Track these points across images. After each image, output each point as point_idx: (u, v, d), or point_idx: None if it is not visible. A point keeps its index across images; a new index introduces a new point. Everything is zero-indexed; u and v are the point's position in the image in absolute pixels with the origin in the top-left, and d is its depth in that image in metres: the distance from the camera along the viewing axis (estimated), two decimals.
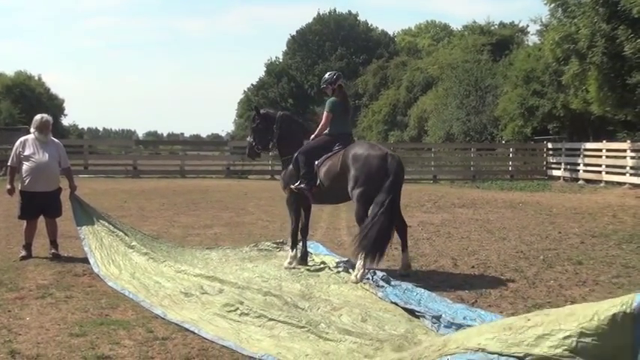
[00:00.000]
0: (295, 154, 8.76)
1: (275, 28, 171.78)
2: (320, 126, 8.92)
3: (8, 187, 9.62)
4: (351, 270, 8.20)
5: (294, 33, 74.94)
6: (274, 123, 9.16)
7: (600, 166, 25.63)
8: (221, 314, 6.47)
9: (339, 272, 8.42)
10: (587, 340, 3.79)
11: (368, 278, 7.74)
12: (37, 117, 9.75)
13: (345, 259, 8.90)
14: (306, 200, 8.95)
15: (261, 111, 9.39)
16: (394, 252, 10.17)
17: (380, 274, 7.86)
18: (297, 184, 8.66)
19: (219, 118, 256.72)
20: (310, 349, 5.51)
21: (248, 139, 9.66)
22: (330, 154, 8.63)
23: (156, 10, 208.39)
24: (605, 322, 3.79)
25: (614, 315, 3.76)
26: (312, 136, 9.00)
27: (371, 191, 8.08)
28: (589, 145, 26.78)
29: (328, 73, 9.29)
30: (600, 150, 25.72)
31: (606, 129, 27.72)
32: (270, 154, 10.59)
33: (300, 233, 9.04)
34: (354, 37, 71.07)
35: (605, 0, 22.18)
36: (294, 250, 8.82)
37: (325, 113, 8.87)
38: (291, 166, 8.85)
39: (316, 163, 8.62)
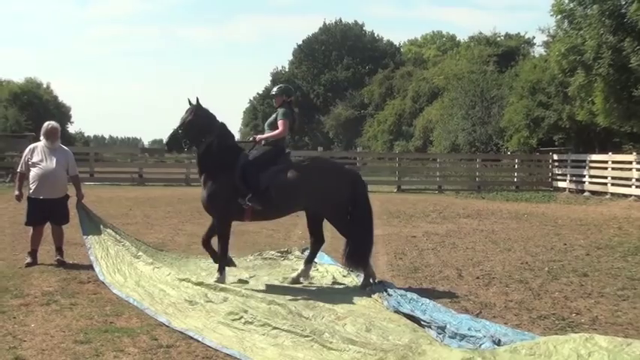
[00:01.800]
0: (240, 167, 8.08)
1: (281, 37, 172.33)
2: (277, 132, 8.40)
3: (16, 193, 9.68)
4: (357, 279, 8.27)
5: (301, 42, 75.20)
6: (212, 127, 8.27)
7: (606, 177, 25.57)
8: (225, 322, 6.47)
9: (343, 282, 8.43)
10: None
11: (374, 289, 7.75)
12: (45, 124, 9.84)
13: (350, 270, 8.87)
14: (239, 217, 8.50)
15: (204, 108, 8.32)
16: (398, 262, 10.18)
17: (385, 284, 7.88)
18: (247, 199, 7.97)
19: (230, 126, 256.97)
20: (314, 359, 5.51)
21: (175, 128, 8.25)
22: (280, 166, 8.24)
23: (162, 18, 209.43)
24: None
25: None
26: (264, 137, 8.49)
27: (346, 205, 8.36)
28: (595, 157, 26.74)
29: (282, 85, 9.11)
30: (606, 162, 25.68)
31: (612, 141, 27.72)
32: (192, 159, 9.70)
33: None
34: (360, 47, 71.25)
35: (611, 12, 22.22)
36: (223, 273, 8.27)
37: (284, 121, 8.40)
38: (219, 183, 8.13)
39: (264, 176, 8.11)
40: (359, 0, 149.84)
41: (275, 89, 8.89)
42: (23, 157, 9.71)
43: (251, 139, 8.65)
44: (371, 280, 8.10)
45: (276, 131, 8.41)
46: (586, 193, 26.17)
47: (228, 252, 8.48)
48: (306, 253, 9.50)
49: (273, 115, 8.63)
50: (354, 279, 8.37)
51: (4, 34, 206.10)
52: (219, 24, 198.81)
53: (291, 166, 8.36)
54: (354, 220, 8.35)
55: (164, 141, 8.51)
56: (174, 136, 8.25)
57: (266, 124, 8.73)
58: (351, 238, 8.27)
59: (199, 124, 8.16)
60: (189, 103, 8.27)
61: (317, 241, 8.68)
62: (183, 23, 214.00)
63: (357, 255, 8.22)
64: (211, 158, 8.19)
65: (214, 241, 8.57)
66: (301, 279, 8.47)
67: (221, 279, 8.10)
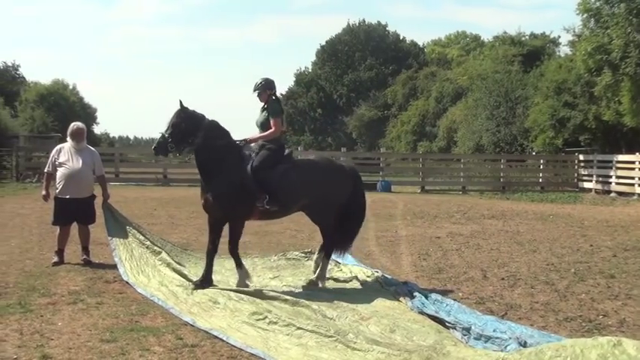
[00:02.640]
0: (252, 169, 7.97)
1: (304, 38, 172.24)
2: (271, 132, 8.23)
3: (43, 193, 9.81)
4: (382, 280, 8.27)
5: (324, 43, 75.23)
6: (198, 124, 8.05)
7: (633, 178, 25.27)
8: (249, 322, 6.49)
9: (367, 282, 8.41)
10: None
11: (398, 289, 7.74)
12: (72, 125, 9.97)
13: (375, 269, 8.87)
14: (246, 217, 8.39)
15: (187, 109, 8.08)
16: (423, 263, 10.14)
17: (409, 284, 7.87)
18: (265, 202, 7.89)
19: (249, 127, 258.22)
20: (338, 359, 5.50)
21: (161, 132, 8.12)
22: (286, 165, 8.20)
23: (185, 20, 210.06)
24: None
25: None
26: (257, 137, 8.32)
27: (342, 205, 8.46)
28: (621, 157, 26.43)
29: (261, 79, 8.53)
30: (633, 162, 25.36)
31: (639, 141, 27.37)
32: (187, 159, 9.28)
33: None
34: (384, 47, 71.12)
35: (638, 10, 21.95)
36: (243, 268, 8.18)
37: (275, 119, 8.25)
38: (225, 183, 7.96)
39: (275, 176, 8.02)
40: (382, 0, 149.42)
41: (257, 86, 8.47)
42: (50, 158, 9.83)
43: (243, 141, 8.34)
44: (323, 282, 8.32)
45: (270, 131, 8.23)
46: (612, 194, 25.89)
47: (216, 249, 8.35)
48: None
49: (263, 114, 8.42)
50: (379, 280, 8.35)
51: (32, 36, 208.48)
52: (241, 25, 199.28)
53: (296, 164, 8.39)
54: (349, 214, 8.48)
55: (152, 147, 8.37)
56: (159, 141, 8.11)
57: (257, 123, 8.52)
58: (343, 229, 8.47)
59: (182, 127, 7.97)
60: (181, 105, 8.09)
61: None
62: (206, 24, 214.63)
63: (345, 243, 8.59)
64: (210, 159, 8.03)
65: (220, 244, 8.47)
66: (319, 281, 8.49)
67: (243, 273, 8.06)
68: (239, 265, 8.11)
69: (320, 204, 8.31)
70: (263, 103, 8.50)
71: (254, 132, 8.55)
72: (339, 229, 8.44)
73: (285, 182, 8.01)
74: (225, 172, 7.97)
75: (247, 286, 7.88)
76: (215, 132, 8.12)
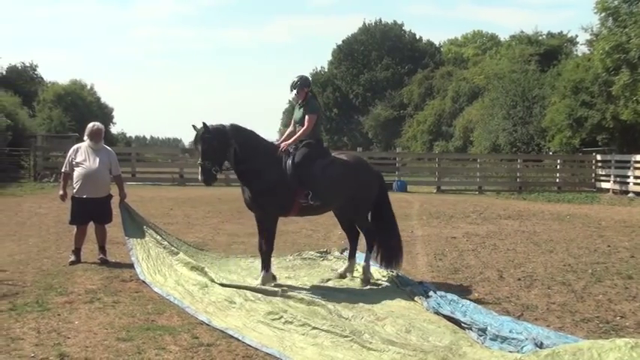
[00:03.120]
0: (294, 166, 7.95)
1: (320, 38, 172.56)
2: (304, 130, 8.25)
3: (61, 192, 9.88)
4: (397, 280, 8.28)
5: (340, 43, 75.18)
6: (227, 137, 7.86)
7: None
8: (265, 322, 6.50)
9: (382, 282, 8.41)
10: None
11: (414, 290, 7.73)
12: (90, 125, 10.02)
13: (390, 270, 8.86)
14: (285, 213, 8.43)
15: (209, 128, 7.78)
16: (439, 263, 10.11)
17: (425, 285, 7.85)
18: (310, 198, 7.88)
19: (264, 127, 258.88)
20: (353, 359, 5.50)
21: (199, 162, 7.83)
22: (325, 161, 8.26)
23: (201, 20, 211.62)
24: None
25: None
26: (293, 140, 8.28)
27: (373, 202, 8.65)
28: None
29: (297, 77, 8.53)
30: None
31: None
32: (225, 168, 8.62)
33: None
34: (400, 47, 70.97)
35: None
36: (269, 271, 8.15)
37: (311, 116, 8.27)
38: (266, 180, 7.91)
39: (316, 171, 8.04)
40: (399, 0, 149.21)
41: (295, 84, 8.46)
42: (67, 158, 9.89)
43: (280, 148, 8.23)
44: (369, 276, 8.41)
45: (302, 129, 8.28)
46: (630, 194, 25.67)
47: (273, 249, 8.37)
48: (346, 253, 9.50)
49: (300, 110, 8.47)
50: (394, 280, 8.34)
51: (50, 37, 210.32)
52: (257, 25, 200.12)
53: (334, 160, 8.42)
54: (383, 219, 8.62)
55: (200, 179, 7.99)
56: (204, 171, 7.82)
57: (295, 120, 8.55)
58: (383, 240, 8.55)
59: (213, 147, 7.75)
60: (194, 128, 7.86)
61: (354, 234, 8.82)
62: (222, 25, 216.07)
63: (394, 256, 8.56)
64: (246, 160, 7.96)
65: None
66: (347, 273, 8.59)
67: (267, 277, 8.02)
68: (265, 268, 8.12)
69: (358, 200, 8.38)
70: (300, 101, 8.53)
71: (287, 130, 8.73)
72: (382, 241, 8.54)
73: (326, 177, 8.06)
74: (264, 171, 7.96)
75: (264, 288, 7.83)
76: (243, 135, 8.07)
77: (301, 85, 8.46)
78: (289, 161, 8.02)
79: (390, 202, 8.83)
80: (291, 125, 8.70)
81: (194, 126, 7.87)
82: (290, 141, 8.29)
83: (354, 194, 8.31)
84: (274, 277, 8.20)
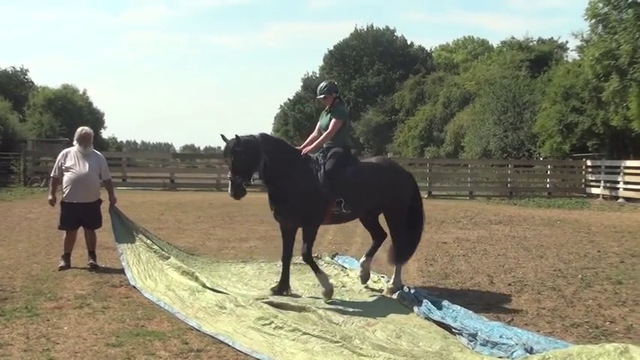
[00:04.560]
0: (327, 173, 7.82)
1: (312, 43, 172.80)
2: (327, 133, 8.14)
3: (50, 197, 9.83)
4: (388, 285, 8.26)
5: (332, 48, 75.26)
6: (258, 149, 7.65)
7: None
8: (255, 327, 6.48)
9: (373, 288, 8.41)
10: None
11: (405, 295, 7.73)
12: (79, 129, 10.00)
13: (381, 275, 8.87)
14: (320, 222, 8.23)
15: (240, 139, 7.56)
16: (429, 268, 10.12)
17: (415, 290, 7.85)
18: (343, 206, 7.74)
19: (256, 133, 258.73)
20: None
21: (229, 176, 7.60)
22: (354, 167, 8.13)
23: (192, 25, 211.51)
24: None
25: None
26: (315, 144, 8.20)
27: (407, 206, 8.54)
28: (629, 163, 26.28)
29: (326, 82, 8.54)
30: None
31: None
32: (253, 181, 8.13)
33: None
34: (392, 52, 71.09)
35: None
36: (326, 278, 7.96)
37: (337, 121, 8.13)
38: (301, 192, 7.74)
39: (347, 179, 7.92)
40: (390, 6, 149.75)
41: (322, 89, 8.39)
42: (57, 162, 9.86)
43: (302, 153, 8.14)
44: (400, 285, 8.09)
45: (325, 133, 8.17)
46: (620, 200, 25.76)
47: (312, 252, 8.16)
48: (336, 258, 9.51)
49: (327, 116, 8.32)
50: (385, 285, 8.34)
51: (42, 42, 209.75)
52: (248, 30, 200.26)
53: (363, 166, 8.32)
54: (409, 222, 8.50)
55: (229, 194, 7.67)
56: (234, 186, 7.55)
57: (322, 127, 8.37)
58: (402, 238, 8.40)
59: (244, 161, 7.53)
60: (223, 139, 7.66)
61: (378, 235, 8.75)
62: (214, 30, 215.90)
63: (404, 253, 8.47)
64: (278, 171, 7.75)
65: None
66: (364, 274, 8.53)
67: (321, 276, 7.84)
68: (316, 270, 7.92)
69: (392, 205, 8.32)
70: (327, 107, 8.42)
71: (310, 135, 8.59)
72: (398, 238, 8.46)
73: (357, 184, 7.95)
74: (297, 181, 7.79)
75: (331, 287, 7.82)
76: (273, 145, 7.91)
77: (329, 90, 8.37)
78: (321, 170, 7.88)
79: (422, 206, 8.80)
80: (316, 131, 8.51)
81: (223, 136, 7.65)
82: (312, 146, 8.19)
83: (388, 199, 8.24)
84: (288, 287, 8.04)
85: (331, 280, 8.74)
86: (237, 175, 7.52)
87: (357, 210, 8.13)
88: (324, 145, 8.19)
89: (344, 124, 8.29)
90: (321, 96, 8.39)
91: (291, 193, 7.76)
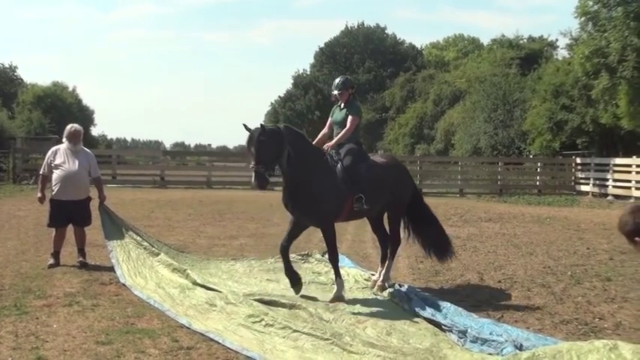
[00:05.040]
0: (345, 169, 7.74)
1: (303, 40, 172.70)
2: (346, 131, 8.04)
3: (39, 195, 9.77)
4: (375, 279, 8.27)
5: (323, 45, 75.18)
6: (282, 139, 7.47)
7: (630, 181, 25.27)
8: (246, 325, 6.47)
9: (364, 285, 8.41)
10: None
11: (394, 291, 7.74)
12: (68, 127, 9.93)
13: (372, 272, 8.87)
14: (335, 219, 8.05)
15: (265, 129, 7.40)
16: (420, 266, 10.14)
17: (406, 287, 7.86)
18: (364, 203, 7.65)
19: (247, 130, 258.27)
20: None
21: (252, 166, 7.39)
22: (367, 163, 8.04)
23: (182, 23, 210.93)
24: None
25: None
26: (335, 141, 8.08)
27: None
28: (619, 161, 26.45)
29: (342, 78, 8.48)
30: (630, 165, 25.36)
31: (636, 144, 27.40)
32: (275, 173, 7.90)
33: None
34: (382, 50, 71.09)
35: (636, 14, 22.05)
36: (341, 278, 7.85)
37: (355, 117, 8.09)
38: (321, 189, 7.59)
39: (363, 174, 7.83)
40: (381, 3, 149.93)
41: (338, 85, 8.28)
42: (46, 160, 9.80)
43: (326, 150, 8.00)
44: (390, 282, 8.11)
45: (345, 129, 8.05)
46: (609, 197, 25.90)
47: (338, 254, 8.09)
48: (327, 255, 9.50)
49: (342, 112, 8.24)
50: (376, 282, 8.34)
51: (32, 39, 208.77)
52: (240, 28, 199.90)
53: (374, 163, 8.25)
54: (423, 218, 8.66)
55: (252, 185, 7.50)
56: (258, 175, 7.31)
57: (335, 122, 8.31)
58: (429, 236, 8.66)
59: (268, 151, 7.31)
60: (246, 128, 7.46)
61: (385, 238, 8.64)
62: (204, 28, 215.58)
63: (446, 249, 8.69)
64: (299, 164, 7.56)
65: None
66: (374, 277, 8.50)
67: (341, 284, 7.71)
68: (337, 275, 7.77)
69: (396, 202, 8.31)
70: (341, 102, 8.34)
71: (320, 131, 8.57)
72: (429, 239, 8.65)
73: (372, 180, 7.87)
74: (318, 176, 7.64)
75: (343, 298, 7.58)
76: (296, 138, 7.73)
77: (345, 85, 8.27)
78: (338, 165, 7.80)
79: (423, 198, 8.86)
80: (327, 127, 8.46)
81: (246, 126, 7.47)
82: (333, 142, 8.08)
83: (395, 196, 8.24)
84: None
85: (322, 278, 8.79)
86: (260, 165, 7.28)
87: (374, 206, 8.05)
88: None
89: (359, 120, 8.26)
90: (337, 91, 8.30)
91: (313, 188, 7.59)
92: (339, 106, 8.38)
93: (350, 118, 8.09)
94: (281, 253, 7.89)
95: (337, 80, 8.41)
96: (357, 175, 7.74)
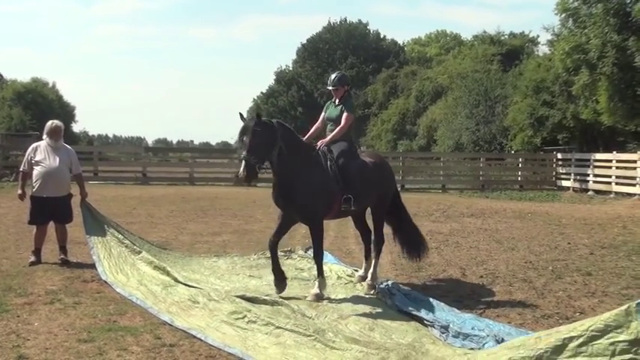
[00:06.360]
0: (339, 168, 7.64)
1: (285, 36, 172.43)
2: (341, 127, 7.98)
3: (19, 192, 9.71)
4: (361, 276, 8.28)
5: (305, 41, 75.11)
6: (275, 133, 7.29)
7: (610, 177, 25.50)
8: (228, 321, 6.47)
9: (346, 281, 8.43)
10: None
11: (378, 288, 7.76)
12: (49, 123, 9.85)
13: (355, 268, 8.89)
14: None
15: (262, 121, 7.24)
16: (402, 261, 10.17)
17: (389, 282, 7.88)
18: (352, 203, 7.59)
19: (229, 126, 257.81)
20: (316, 358, 5.51)
21: (244, 156, 7.11)
22: (357, 162, 7.98)
23: (166, 18, 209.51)
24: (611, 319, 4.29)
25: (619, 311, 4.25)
26: (330, 138, 7.99)
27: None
28: (599, 156, 26.66)
29: (338, 74, 8.40)
30: (610, 161, 25.59)
31: (616, 140, 27.68)
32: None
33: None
34: (365, 46, 71.12)
35: (616, 11, 22.22)
36: (323, 277, 7.74)
37: (349, 115, 8.01)
38: (312, 185, 7.45)
39: (353, 173, 7.75)
40: None
41: (333, 81, 8.21)
42: (26, 156, 9.72)
43: (319, 147, 7.93)
44: (379, 282, 8.09)
45: (340, 126, 7.98)
46: (590, 192, 26.11)
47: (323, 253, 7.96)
48: (310, 252, 9.49)
49: (337, 108, 8.15)
50: (359, 279, 8.36)
51: (11, 34, 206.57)
52: (222, 23, 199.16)
53: (364, 161, 8.19)
54: (402, 218, 8.73)
55: (239, 175, 7.16)
56: (248, 166, 7.05)
57: (329, 118, 8.22)
58: (404, 236, 8.69)
59: (261, 142, 7.10)
60: (242, 118, 7.29)
61: (367, 232, 8.66)
62: (187, 23, 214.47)
63: (419, 249, 8.70)
64: (291, 162, 7.42)
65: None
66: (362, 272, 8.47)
67: (322, 283, 7.60)
68: (320, 273, 7.66)
69: (382, 201, 8.31)
70: (335, 98, 8.27)
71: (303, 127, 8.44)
72: (404, 238, 8.68)
73: (362, 180, 7.80)
74: (308, 174, 7.51)
75: (322, 297, 7.47)
76: (288, 133, 7.56)
77: (341, 82, 8.22)
78: (329, 163, 7.70)
79: (400, 197, 8.84)
80: (319, 122, 8.39)
81: (241, 114, 7.30)
82: (327, 139, 8.01)
83: (381, 195, 8.24)
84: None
85: (304, 274, 8.79)
86: (252, 156, 7.05)
87: (363, 206, 8.08)
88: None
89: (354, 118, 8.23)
90: (332, 87, 8.23)
91: (303, 186, 7.46)
92: (334, 102, 8.32)
93: (345, 115, 8.04)
94: (270, 250, 7.77)
95: (333, 76, 8.36)
96: (348, 175, 7.67)
